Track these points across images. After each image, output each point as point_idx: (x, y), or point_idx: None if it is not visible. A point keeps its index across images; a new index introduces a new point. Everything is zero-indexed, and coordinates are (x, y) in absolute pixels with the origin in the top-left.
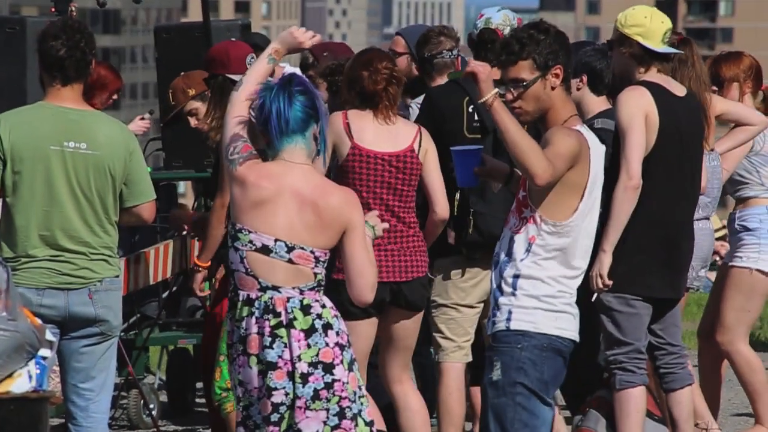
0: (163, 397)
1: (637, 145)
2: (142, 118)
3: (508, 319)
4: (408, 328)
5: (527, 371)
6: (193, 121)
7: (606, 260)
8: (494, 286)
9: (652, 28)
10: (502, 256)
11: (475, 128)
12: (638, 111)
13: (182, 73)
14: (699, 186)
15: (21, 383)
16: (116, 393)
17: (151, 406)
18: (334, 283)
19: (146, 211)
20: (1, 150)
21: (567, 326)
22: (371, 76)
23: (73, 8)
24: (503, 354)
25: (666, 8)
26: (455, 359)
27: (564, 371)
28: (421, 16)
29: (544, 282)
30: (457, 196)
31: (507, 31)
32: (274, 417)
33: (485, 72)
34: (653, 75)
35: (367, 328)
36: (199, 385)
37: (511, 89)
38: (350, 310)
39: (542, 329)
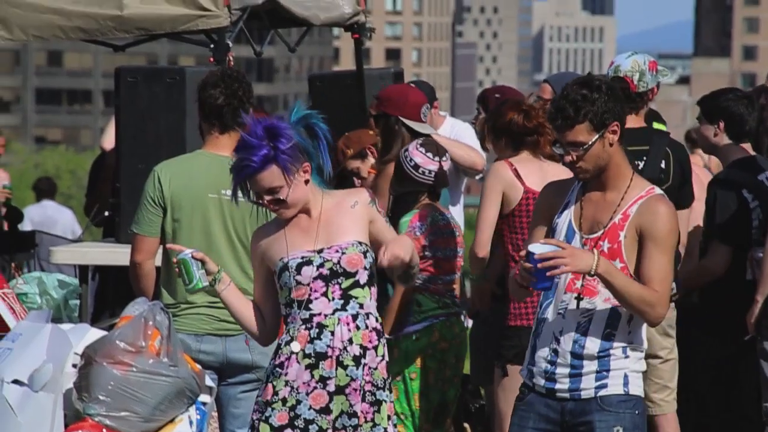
0: None
1: None
2: None
3: (626, 384)
4: None
5: None
6: (357, 182)
7: (757, 309)
8: (598, 349)
9: None
10: (597, 325)
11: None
12: None
13: (345, 134)
14: None
15: (182, 429)
16: None
17: None
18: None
19: None
20: (161, 198)
21: None
22: (525, 116)
23: (231, 57)
24: (624, 419)
25: None
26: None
27: None
28: (572, 62)
29: (643, 344)
30: None
31: (636, 77)
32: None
33: None
34: None
35: None
36: None
37: (571, 152)
38: None
39: (642, 393)
